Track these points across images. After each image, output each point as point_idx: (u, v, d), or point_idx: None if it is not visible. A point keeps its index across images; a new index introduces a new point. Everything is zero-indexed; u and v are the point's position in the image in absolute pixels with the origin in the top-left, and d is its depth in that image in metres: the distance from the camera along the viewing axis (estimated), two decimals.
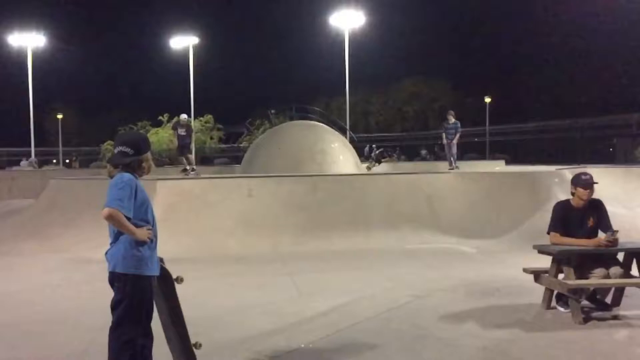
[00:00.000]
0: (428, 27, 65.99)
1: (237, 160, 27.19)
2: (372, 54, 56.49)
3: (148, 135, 25.24)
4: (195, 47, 36.67)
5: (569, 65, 48.82)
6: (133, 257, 3.29)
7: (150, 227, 3.41)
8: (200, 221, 10.71)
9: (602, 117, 32.35)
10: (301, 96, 50.51)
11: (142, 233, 3.31)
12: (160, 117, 34.99)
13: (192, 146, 22.42)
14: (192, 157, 19.05)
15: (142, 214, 3.38)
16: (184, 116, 17.05)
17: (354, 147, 20.36)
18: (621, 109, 33.52)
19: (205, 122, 36.49)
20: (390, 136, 47.56)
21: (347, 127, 30.34)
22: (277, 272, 8.11)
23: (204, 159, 35.75)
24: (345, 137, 23.85)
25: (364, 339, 4.53)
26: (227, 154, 39.06)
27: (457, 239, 12.16)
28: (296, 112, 26.67)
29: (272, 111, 30.91)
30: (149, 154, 3.52)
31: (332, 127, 21.40)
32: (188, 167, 16.52)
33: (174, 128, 17.43)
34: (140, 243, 3.31)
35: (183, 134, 16.43)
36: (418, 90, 57.53)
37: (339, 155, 17.38)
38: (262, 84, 73.23)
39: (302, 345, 4.44)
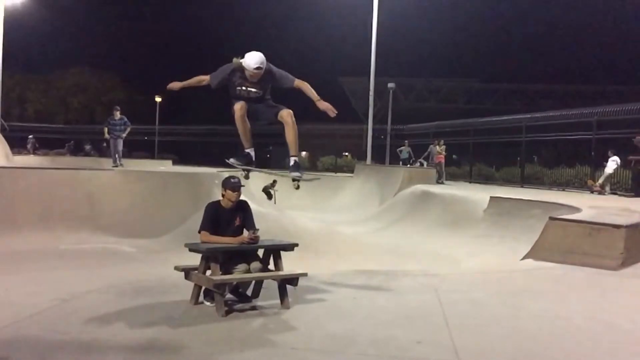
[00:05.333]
0: (101, 14, 62.98)
1: None
2: (35, 35, 51.21)
3: None
4: None
5: None
6: None
7: None
8: None
9: (260, 126, 35.63)
10: None
11: None
12: None
13: None
14: None
15: None
16: None
17: (5, 137, 18.17)
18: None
19: None
20: (52, 127, 43.69)
21: None
22: None
23: None
24: None
25: None
26: None
27: (118, 238, 11.87)
28: None
29: None
30: None
31: None
32: None
33: None
34: None
35: None
36: (85, 81, 54.27)
37: None
38: None
39: None
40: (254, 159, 6.43)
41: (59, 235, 11.06)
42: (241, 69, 5.93)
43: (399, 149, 27.59)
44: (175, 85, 6.38)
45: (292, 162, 6.20)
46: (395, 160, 29.01)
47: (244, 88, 6.04)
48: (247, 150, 6.40)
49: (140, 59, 61.45)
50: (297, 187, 6.42)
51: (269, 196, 22.01)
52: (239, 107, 5.99)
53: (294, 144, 6.11)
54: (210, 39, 64.77)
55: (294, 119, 6.05)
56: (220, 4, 69.89)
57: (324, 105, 5.95)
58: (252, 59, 5.83)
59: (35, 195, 11.29)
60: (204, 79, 6.23)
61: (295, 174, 6.18)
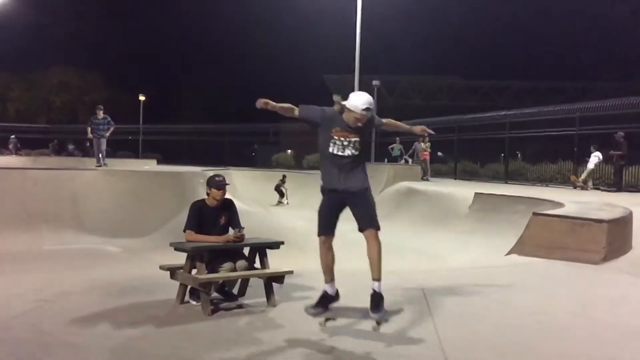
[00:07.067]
0: (84, 13, 62.39)
1: None
2: (16, 34, 50.61)
3: None
4: None
5: (219, 74, 52.21)
6: None
7: None
8: None
9: (245, 124, 35.50)
10: None
11: None
12: None
13: None
14: None
15: None
16: None
17: None
18: (261, 119, 37.36)
19: None
20: (34, 127, 43.21)
21: None
22: None
23: None
24: None
25: None
26: None
27: (103, 239, 11.80)
28: None
29: None
30: None
31: None
32: None
33: None
34: None
35: None
36: (68, 80, 53.69)
37: None
38: None
39: None
40: (335, 294, 5.15)
41: (43, 236, 10.99)
42: (341, 112, 4.92)
43: (391, 146, 27.18)
44: (268, 104, 4.99)
45: (371, 291, 4.96)
46: (380, 157, 28.96)
47: (340, 138, 4.91)
48: (325, 288, 5.13)
49: (123, 57, 60.96)
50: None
51: (282, 194, 21.83)
52: (322, 241, 5.18)
53: (375, 266, 5.11)
54: (194, 38, 64.42)
55: (379, 239, 5.24)
56: (204, 2, 69.61)
57: (419, 129, 5.52)
58: (360, 100, 4.80)
59: (17, 195, 11.20)
60: (294, 109, 5.05)
61: (377, 316, 4.83)
